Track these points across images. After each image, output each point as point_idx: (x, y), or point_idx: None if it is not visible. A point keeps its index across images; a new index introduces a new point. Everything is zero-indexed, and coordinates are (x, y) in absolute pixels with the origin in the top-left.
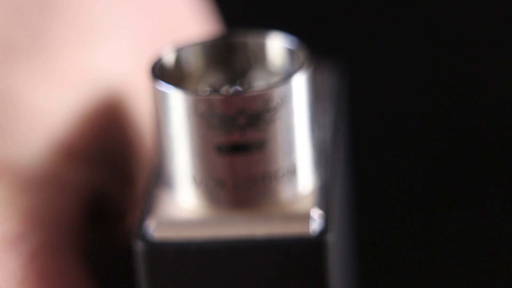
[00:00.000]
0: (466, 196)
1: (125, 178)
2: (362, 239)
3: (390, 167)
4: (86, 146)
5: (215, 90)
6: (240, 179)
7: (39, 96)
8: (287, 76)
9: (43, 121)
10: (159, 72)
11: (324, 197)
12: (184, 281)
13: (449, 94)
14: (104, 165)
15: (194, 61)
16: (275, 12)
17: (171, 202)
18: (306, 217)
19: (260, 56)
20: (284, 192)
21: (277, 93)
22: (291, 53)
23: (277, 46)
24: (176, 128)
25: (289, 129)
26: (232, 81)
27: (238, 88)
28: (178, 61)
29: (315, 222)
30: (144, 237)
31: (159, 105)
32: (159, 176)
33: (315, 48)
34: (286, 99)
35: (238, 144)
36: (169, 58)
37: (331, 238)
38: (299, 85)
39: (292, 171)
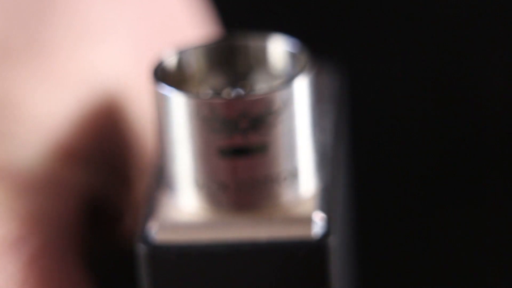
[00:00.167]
0: (466, 196)
1: (124, 180)
2: (362, 241)
3: (390, 169)
4: (85, 148)
5: (217, 93)
6: (242, 182)
7: (37, 98)
8: (289, 79)
9: (42, 123)
10: (161, 75)
11: (326, 200)
12: (186, 284)
13: (449, 95)
14: (102, 167)
15: (195, 64)
16: (274, 14)
17: (173, 205)
18: (308, 221)
19: (261, 59)
20: (286, 195)
21: (279, 96)
22: (292, 56)
23: (278, 48)
24: (178, 132)
25: (291, 132)
26: (233, 84)
27: (240, 91)
28: (179, 63)
29: (317, 225)
30: (146, 240)
31: (161, 108)
32: (161, 179)
33: (315, 50)
34: (288, 102)
35: (240, 147)
36: (171, 61)
37: (334, 241)
38: (301, 88)
39: (294, 174)
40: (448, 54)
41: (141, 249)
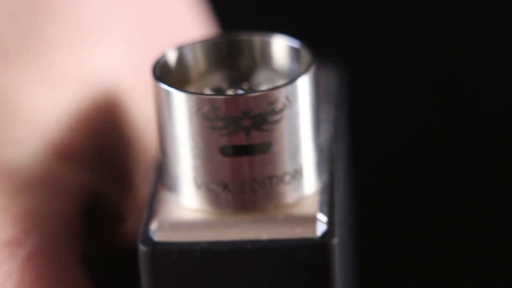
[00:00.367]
0: (466, 197)
1: (122, 179)
2: (363, 240)
3: (390, 168)
4: (82, 148)
5: (219, 90)
6: (244, 182)
7: (33, 97)
8: (293, 77)
9: (39, 122)
10: (162, 71)
11: (329, 199)
12: (187, 284)
13: (449, 95)
14: (101, 166)
15: (197, 60)
16: (273, 14)
17: (175, 205)
18: (312, 220)
19: (264, 55)
20: (289, 194)
21: (283, 93)
22: (296, 52)
23: (281, 45)
24: (180, 130)
25: (295, 131)
26: (236, 81)
27: (243, 88)
28: (181, 60)
29: (322, 224)
30: (147, 240)
31: (161, 105)
32: (162, 179)
33: (314, 49)
34: (292, 99)
35: (242, 146)
36: (172, 57)
37: (337, 240)
38: (305, 86)
39: (297, 173)
40: (448, 53)
41: (142, 248)
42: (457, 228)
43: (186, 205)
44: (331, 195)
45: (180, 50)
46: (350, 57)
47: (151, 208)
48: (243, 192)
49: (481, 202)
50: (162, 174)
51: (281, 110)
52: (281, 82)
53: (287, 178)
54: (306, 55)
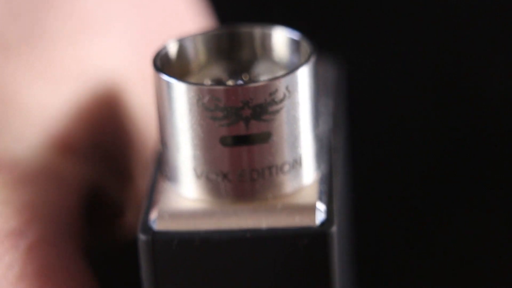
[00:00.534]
0: (466, 192)
1: (122, 172)
2: (361, 230)
3: (388, 162)
4: (82, 141)
5: (220, 81)
6: (244, 171)
7: (34, 91)
8: (293, 67)
9: (39, 116)
10: (162, 62)
11: (328, 188)
12: (187, 273)
13: (447, 90)
14: (100, 159)
15: (198, 52)
16: (272, 8)
17: (175, 195)
18: (311, 209)
19: (264, 47)
20: (288, 184)
21: (284, 84)
22: (296, 44)
23: (282, 37)
24: (180, 120)
25: (294, 121)
26: (236, 72)
27: (243, 79)
28: (181, 52)
29: (321, 213)
30: (147, 229)
31: (162, 97)
32: (162, 169)
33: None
34: (292, 90)
35: (242, 136)
36: (172, 49)
37: (336, 229)
38: (305, 76)
39: (296, 163)
40: (447, 50)
41: (142, 237)
42: (456, 227)
43: (186, 195)
44: (330, 185)
45: (181, 42)
46: (349, 52)
47: (151, 198)
48: (243, 181)
49: (481, 201)
50: (162, 165)
51: (281, 101)
52: (281, 72)
53: (286, 168)
54: (306, 47)
